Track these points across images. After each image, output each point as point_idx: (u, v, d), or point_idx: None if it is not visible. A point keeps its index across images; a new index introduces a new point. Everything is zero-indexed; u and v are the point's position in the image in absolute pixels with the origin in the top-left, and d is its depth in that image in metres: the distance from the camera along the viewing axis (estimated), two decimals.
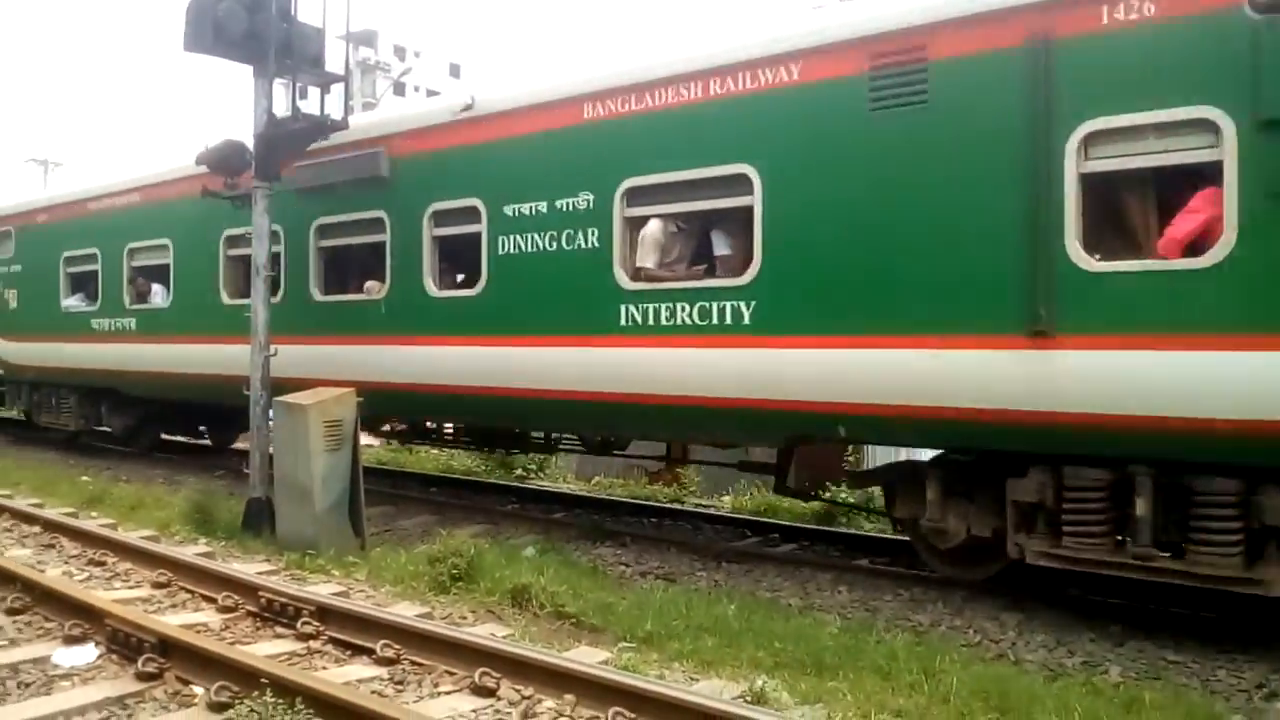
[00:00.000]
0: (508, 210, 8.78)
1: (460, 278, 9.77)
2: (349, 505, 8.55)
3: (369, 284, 10.14)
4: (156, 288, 13.14)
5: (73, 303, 14.58)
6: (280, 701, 4.43)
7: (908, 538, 7.87)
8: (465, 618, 6.41)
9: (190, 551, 7.74)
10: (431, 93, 56.70)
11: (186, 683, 4.88)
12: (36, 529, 8.64)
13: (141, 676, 4.91)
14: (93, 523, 8.90)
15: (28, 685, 4.93)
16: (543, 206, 8.52)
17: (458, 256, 9.69)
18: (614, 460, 13.11)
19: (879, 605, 7.24)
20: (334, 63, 9.89)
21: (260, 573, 7.11)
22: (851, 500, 10.57)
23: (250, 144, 9.19)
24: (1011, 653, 6.27)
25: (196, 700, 4.69)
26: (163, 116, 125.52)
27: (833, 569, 8.16)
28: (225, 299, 11.66)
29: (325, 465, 8.37)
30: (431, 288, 9.41)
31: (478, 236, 9.02)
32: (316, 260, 10.57)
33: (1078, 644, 6.34)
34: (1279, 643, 6.14)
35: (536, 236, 8.59)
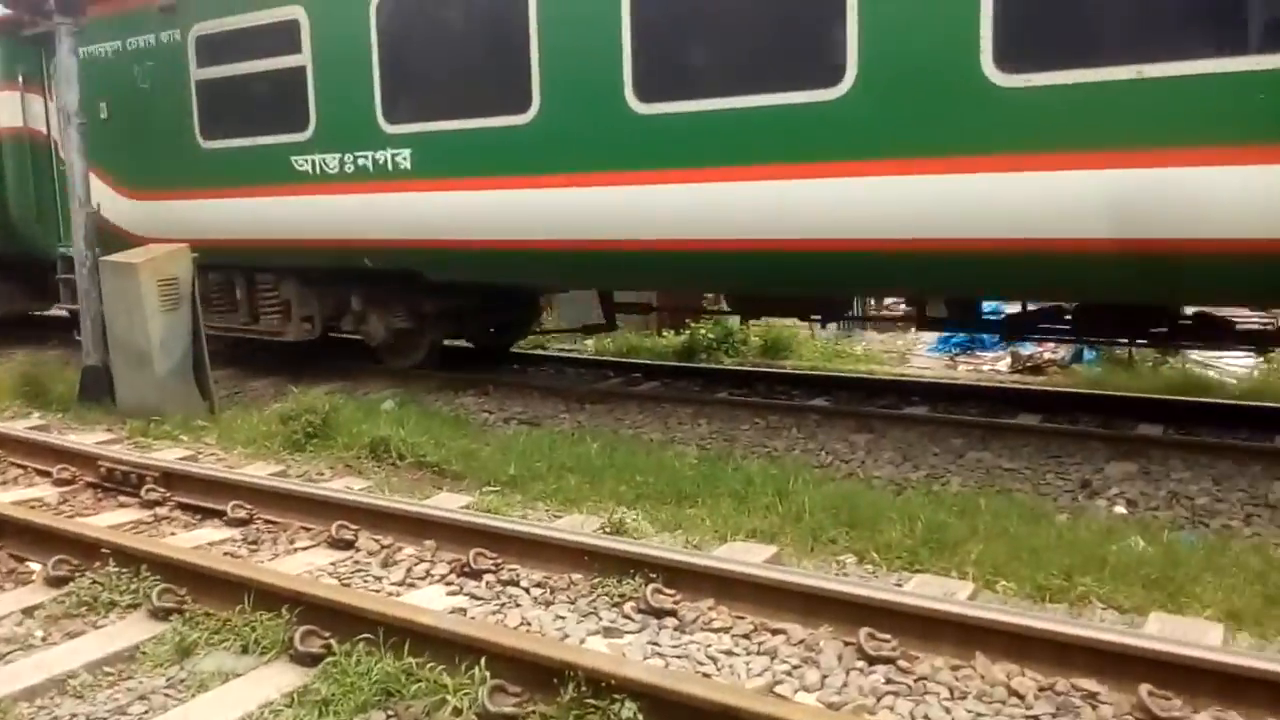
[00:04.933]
0: None
1: None
2: (193, 367, 8.18)
3: None
4: None
5: None
6: (124, 571, 4.27)
7: None
8: (322, 474, 6.30)
9: (20, 426, 7.31)
10: None
11: (20, 560, 4.65)
12: None
13: None
14: None
15: None
16: None
17: None
18: None
19: (736, 434, 7.43)
20: None
21: (100, 443, 6.79)
22: (712, 335, 10.75)
23: None
24: (861, 471, 6.56)
25: (34, 577, 4.48)
26: None
27: (693, 403, 8.31)
28: None
29: (163, 327, 7.93)
30: None
31: None
32: None
33: (922, 459, 6.67)
34: (1101, 444, 6.60)
35: None
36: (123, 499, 5.62)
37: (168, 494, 5.50)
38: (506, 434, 7.56)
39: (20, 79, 10.88)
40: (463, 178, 7.60)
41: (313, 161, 8.38)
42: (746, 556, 4.37)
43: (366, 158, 8.04)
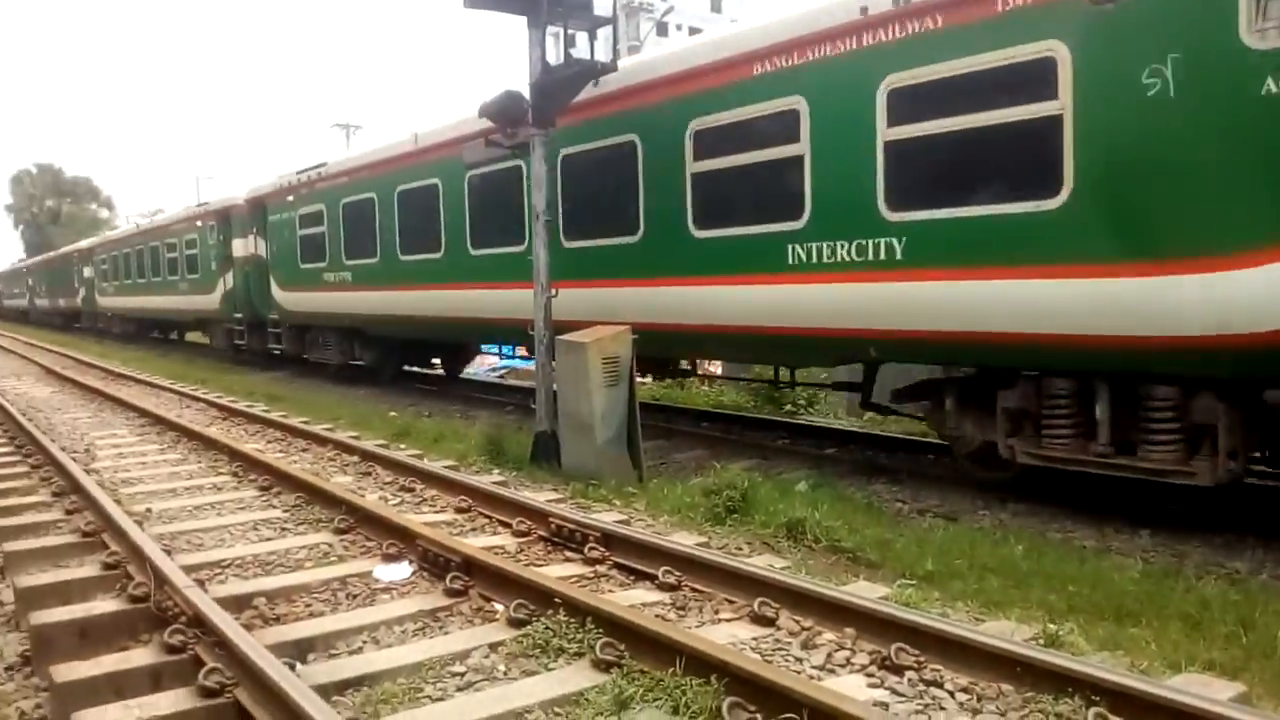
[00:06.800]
0: None
1: None
2: (627, 438, 8.90)
3: None
4: None
5: None
6: (572, 620, 4.71)
7: None
8: (741, 549, 6.52)
9: (487, 480, 8.33)
10: (694, 31, 56.56)
11: (488, 600, 5.29)
12: (355, 458, 9.63)
13: (449, 593, 5.37)
14: (402, 453, 9.77)
15: (354, 596, 5.53)
16: None
17: None
18: None
19: (1186, 550, 6.66)
20: (600, 6, 10.07)
21: (549, 501, 7.55)
22: None
23: (527, 93, 9.58)
24: None
25: (498, 616, 5.07)
26: (450, 76, 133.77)
27: (1131, 510, 7.57)
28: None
29: (604, 400, 8.73)
30: None
31: None
32: None
33: None
34: None
35: None
36: (568, 553, 6.21)
37: (607, 554, 6.00)
38: (922, 526, 7.37)
39: None
40: None
41: None
42: (1207, 691, 3.87)
43: None
